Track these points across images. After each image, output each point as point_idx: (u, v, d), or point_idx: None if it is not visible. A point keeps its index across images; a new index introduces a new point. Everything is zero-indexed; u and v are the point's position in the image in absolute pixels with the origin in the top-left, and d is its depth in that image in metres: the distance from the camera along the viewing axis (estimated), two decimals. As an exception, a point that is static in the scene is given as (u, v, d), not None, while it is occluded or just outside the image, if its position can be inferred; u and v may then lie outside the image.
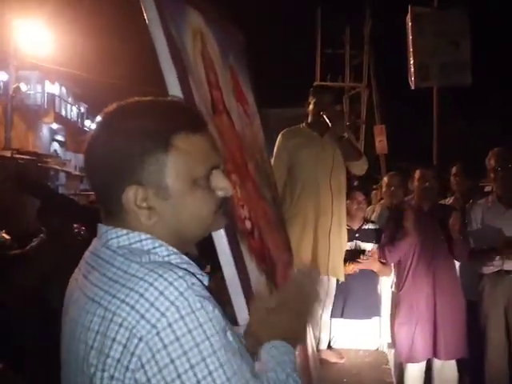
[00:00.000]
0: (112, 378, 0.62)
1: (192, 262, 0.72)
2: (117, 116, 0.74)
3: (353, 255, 2.98)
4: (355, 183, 3.93)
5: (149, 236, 0.72)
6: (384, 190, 3.72)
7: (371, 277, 3.04)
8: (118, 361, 0.62)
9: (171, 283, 0.63)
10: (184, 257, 0.72)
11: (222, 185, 0.76)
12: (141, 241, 0.71)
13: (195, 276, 0.68)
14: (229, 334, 0.67)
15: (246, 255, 1.42)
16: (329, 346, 3.01)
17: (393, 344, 2.87)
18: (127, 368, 0.62)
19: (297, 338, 0.86)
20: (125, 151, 0.70)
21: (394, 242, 2.70)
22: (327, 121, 2.77)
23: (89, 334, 0.66)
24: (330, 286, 2.81)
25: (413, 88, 5.96)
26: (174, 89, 1.42)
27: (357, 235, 3.15)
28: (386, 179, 3.90)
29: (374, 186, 4.98)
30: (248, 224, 1.52)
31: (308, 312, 0.89)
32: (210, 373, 0.62)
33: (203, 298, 0.65)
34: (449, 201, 3.47)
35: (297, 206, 2.77)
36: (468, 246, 2.72)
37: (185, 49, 1.65)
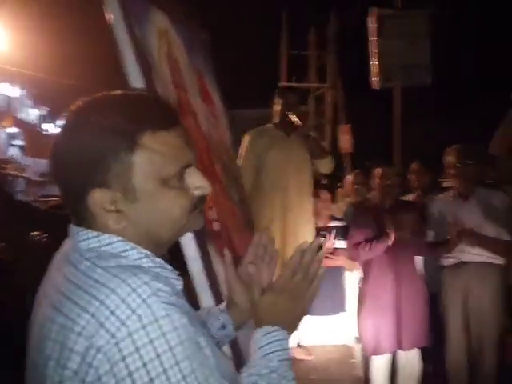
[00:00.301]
0: None
1: (166, 265, 0.70)
2: (81, 113, 0.69)
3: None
4: (323, 181, 4.01)
5: (120, 238, 0.68)
6: (349, 187, 3.82)
7: (337, 273, 3.12)
8: (76, 373, 0.58)
9: (134, 289, 0.60)
10: (157, 259, 0.69)
11: (198, 183, 0.72)
12: (111, 243, 0.68)
13: (169, 280, 0.66)
14: (202, 340, 0.64)
15: (214, 258, 1.43)
16: (297, 344, 3.07)
17: (359, 338, 2.95)
18: (83, 381, 0.58)
19: (292, 322, 0.82)
20: (89, 151, 0.66)
21: (371, 242, 2.75)
22: (294, 121, 2.82)
23: (48, 343, 0.62)
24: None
25: (375, 88, 6.13)
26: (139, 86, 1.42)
27: (324, 232, 3.22)
28: (350, 177, 4.00)
29: (339, 184, 5.10)
30: (216, 226, 1.53)
31: (307, 294, 0.82)
32: (179, 381, 0.58)
33: (170, 305, 0.61)
34: (411, 197, 3.59)
35: (266, 207, 2.81)
36: (424, 241, 2.81)
37: (150, 50, 1.64)
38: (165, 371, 0.58)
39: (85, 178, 0.67)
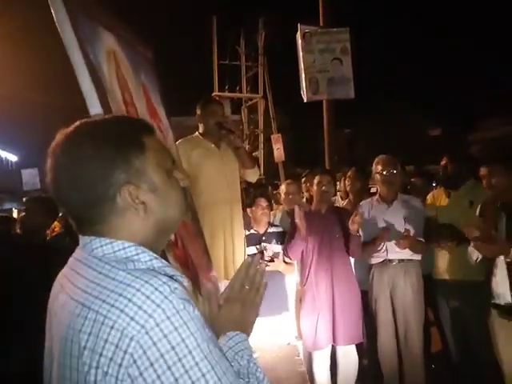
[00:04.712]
0: (106, 373, 0.69)
1: (171, 265, 0.81)
2: (81, 137, 0.81)
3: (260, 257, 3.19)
4: (251, 190, 4.08)
5: (131, 244, 0.79)
6: (283, 197, 4.00)
7: (278, 276, 3.29)
8: (111, 359, 0.69)
9: (156, 288, 0.71)
10: (164, 261, 0.80)
11: (180, 176, 0.88)
12: (124, 248, 0.78)
13: (177, 278, 0.77)
14: (207, 329, 0.76)
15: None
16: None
17: (300, 335, 3.14)
18: (120, 365, 0.68)
19: (248, 327, 0.96)
20: (107, 159, 0.78)
21: (292, 240, 2.97)
22: (224, 131, 2.80)
23: (81, 335, 0.72)
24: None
25: (305, 101, 6.48)
26: (95, 107, 1.48)
27: (263, 238, 3.38)
28: (283, 187, 4.19)
29: (274, 192, 5.28)
30: (172, 235, 1.63)
31: (255, 303, 0.98)
32: (197, 363, 0.70)
33: (185, 301, 0.73)
34: (343, 203, 3.87)
35: (203, 218, 2.75)
36: (358, 242, 3.06)
37: (101, 69, 1.70)
38: (190, 352, 0.70)
39: (110, 183, 0.78)
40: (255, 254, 3.15)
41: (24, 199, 4.21)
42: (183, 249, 1.72)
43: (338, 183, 4.07)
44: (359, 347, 3.09)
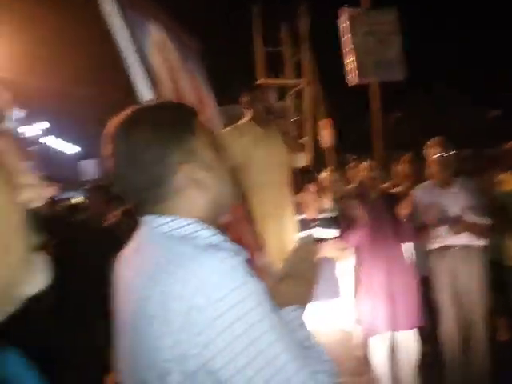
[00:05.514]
0: (176, 341, 0.71)
1: (229, 241, 0.82)
2: (137, 122, 0.84)
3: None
4: (299, 176, 4.06)
5: (192, 220, 0.82)
6: (328, 185, 3.95)
7: (332, 262, 3.26)
8: (181, 328, 0.71)
9: (220, 262, 0.73)
10: (223, 236, 0.82)
11: (227, 156, 0.92)
12: (186, 225, 0.81)
13: (236, 253, 0.78)
14: (271, 301, 0.77)
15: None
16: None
17: (357, 321, 3.09)
18: (189, 333, 0.71)
19: (303, 304, 0.96)
20: (163, 141, 0.82)
21: (351, 228, 2.92)
22: (271, 117, 2.83)
23: (151, 306, 0.74)
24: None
25: (350, 85, 6.31)
26: (146, 95, 1.51)
27: (313, 224, 3.35)
28: (326, 175, 4.14)
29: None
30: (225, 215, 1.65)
31: (311, 281, 0.99)
32: (264, 333, 0.72)
33: (247, 274, 0.75)
34: (397, 189, 3.74)
35: (253, 202, 2.82)
36: (412, 228, 2.96)
37: (150, 58, 1.73)
38: (256, 323, 0.72)
39: (169, 163, 0.82)
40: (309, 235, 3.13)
41: (84, 187, 4.48)
42: (234, 232, 1.73)
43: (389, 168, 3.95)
44: (420, 333, 3.01)
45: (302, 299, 0.97)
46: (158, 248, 0.79)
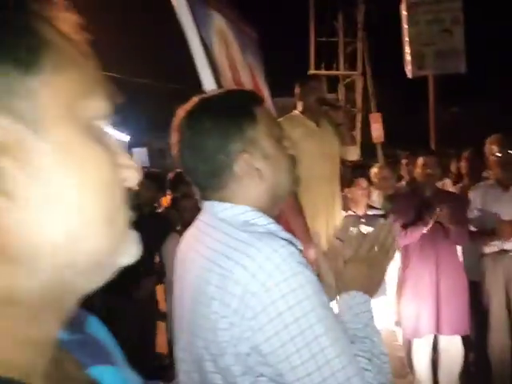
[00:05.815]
0: (232, 324, 0.74)
1: (284, 229, 0.84)
2: (200, 112, 0.87)
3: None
4: (349, 171, 4.00)
5: (251, 208, 0.84)
6: (378, 181, 3.85)
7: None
8: (236, 311, 0.74)
9: (276, 250, 0.75)
10: (279, 225, 0.84)
11: (288, 144, 0.92)
12: (244, 212, 0.83)
13: (291, 242, 0.79)
14: (323, 294, 0.78)
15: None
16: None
17: (396, 323, 3.03)
18: (243, 317, 0.74)
19: (372, 289, 0.92)
20: (224, 131, 0.84)
21: (407, 228, 2.83)
22: (326, 107, 2.80)
23: (210, 287, 0.78)
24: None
25: (409, 77, 6.09)
26: (209, 84, 1.55)
27: (362, 220, 3.29)
28: (375, 171, 4.02)
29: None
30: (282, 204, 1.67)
31: (383, 263, 0.95)
32: (312, 325, 0.73)
33: (302, 264, 0.76)
34: (455, 188, 3.60)
35: (304, 195, 2.84)
36: (465, 230, 2.84)
37: (213, 49, 1.77)
38: (306, 314, 0.73)
39: (230, 151, 0.84)
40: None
41: None
42: (286, 224, 1.75)
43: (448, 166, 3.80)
44: (465, 340, 2.90)
45: (368, 285, 0.91)
46: (219, 233, 0.82)
